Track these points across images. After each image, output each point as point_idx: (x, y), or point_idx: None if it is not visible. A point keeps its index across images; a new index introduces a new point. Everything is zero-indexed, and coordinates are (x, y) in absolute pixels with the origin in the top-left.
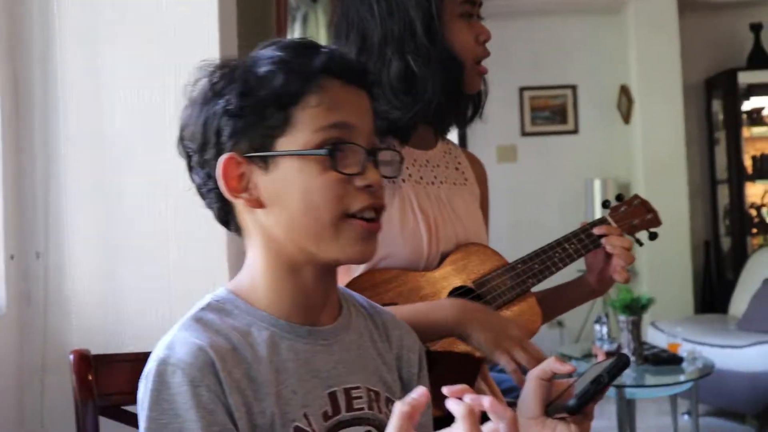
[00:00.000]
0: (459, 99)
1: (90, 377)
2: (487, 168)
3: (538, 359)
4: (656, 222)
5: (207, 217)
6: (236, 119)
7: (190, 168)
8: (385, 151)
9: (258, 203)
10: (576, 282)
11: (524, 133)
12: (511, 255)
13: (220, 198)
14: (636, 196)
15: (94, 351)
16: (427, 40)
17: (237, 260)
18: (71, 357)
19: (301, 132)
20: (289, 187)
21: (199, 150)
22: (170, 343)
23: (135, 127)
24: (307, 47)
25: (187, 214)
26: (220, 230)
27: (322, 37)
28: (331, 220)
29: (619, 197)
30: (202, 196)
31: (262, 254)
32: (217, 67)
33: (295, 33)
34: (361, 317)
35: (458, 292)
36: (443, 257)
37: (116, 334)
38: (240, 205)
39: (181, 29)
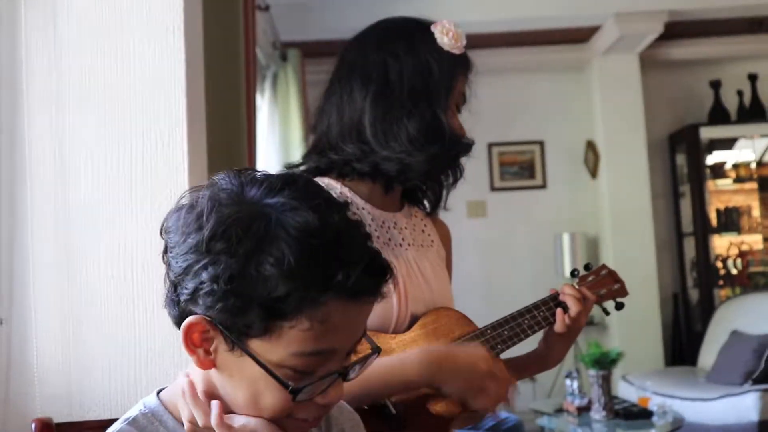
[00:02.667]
0: (454, 166)
1: None
2: (457, 223)
3: (509, 382)
4: (623, 292)
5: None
6: (216, 298)
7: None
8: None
9: (211, 365)
10: (530, 353)
11: (493, 188)
12: (481, 309)
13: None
14: (604, 266)
15: (58, 419)
16: (444, 101)
17: None
18: (33, 426)
19: (278, 347)
20: (245, 378)
21: (175, 275)
22: None
23: (100, 193)
24: (330, 250)
25: (153, 279)
26: None
27: (292, 94)
28: (271, 418)
29: (587, 266)
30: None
31: (199, 388)
32: (222, 209)
33: (265, 92)
34: None
35: None
36: (412, 318)
37: (80, 401)
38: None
39: (148, 95)
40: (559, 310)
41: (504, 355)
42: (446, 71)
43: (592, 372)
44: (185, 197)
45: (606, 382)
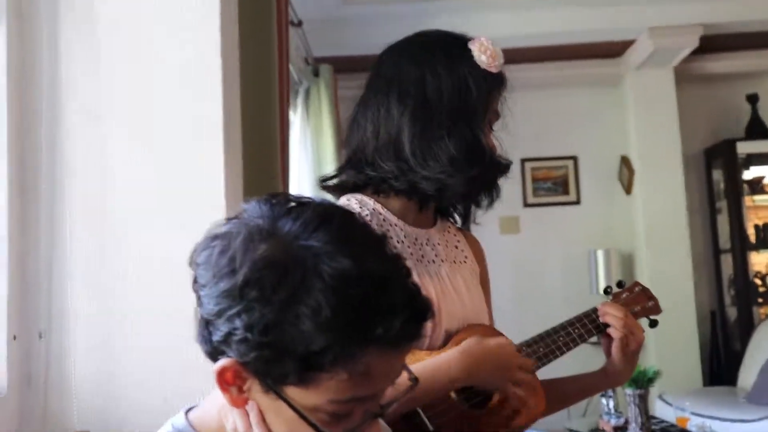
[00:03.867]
0: (492, 187)
1: None
2: (490, 239)
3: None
4: (657, 310)
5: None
6: (250, 347)
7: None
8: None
9: (244, 402)
10: (595, 372)
11: (526, 204)
12: (516, 325)
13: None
14: (637, 283)
15: None
16: (482, 120)
17: None
18: None
19: (315, 394)
20: (281, 418)
21: (207, 314)
22: None
23: (138, 205)
24: (369, 301)
25: (189, 293)
26: None
27: (324, 110)
28: None
29: (620, 284)
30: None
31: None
32: (255, 250)
33: (297, 107)
34: None
35: None
36: (447, 335)
37: (117, 414)
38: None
39: (185, 107)
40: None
41: (546, 373)
42: (483, 90)
43: (629, 391)
44: (216, 230)
45: (643, 402)
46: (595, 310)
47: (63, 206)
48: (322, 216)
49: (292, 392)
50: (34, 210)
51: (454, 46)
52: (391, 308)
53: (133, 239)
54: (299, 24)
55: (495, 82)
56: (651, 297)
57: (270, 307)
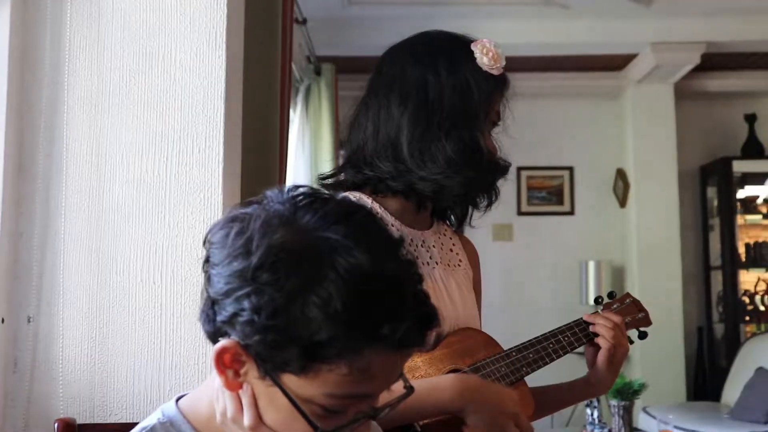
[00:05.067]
0: (491, 189)
1: None
2: (483, 246)
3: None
4: (647, 321)
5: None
6: (255, 330)
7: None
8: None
9: (239, 386)
10: (578, 380)
11: (520, 213)
12: (505, 333)
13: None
14: (628, 295)
15: (80, 420)
16: (482, 122)
17: None
18: (56, 425)
19: (312, 386)
20: (273, 405)
21: (215, 293)
22: None
23: (134, 195)
24: (379, 300)
25: (181, 286)
26: None
27: (324, 109)
28: None
29: (611, 294)
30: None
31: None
32: (272, 235)
33: (297, 105)
34: None
35: None
36: (438, 337)
37: (103, 403)
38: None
39: (186, 100)
40: (599, 350)
41: (533, 380)
42: (485, 91)
43: (614, 402)
44: (235, 212)
45: (627, 413)
46: (584, 320)
47: (58, 192)
48: (343, 211)
49: (289, 381)
50: (29, 194)
51: (457, 47)
52: (400, 310)
53: (127, 229)
54: (303, 22)
55: (497, 84)
56: (641, 309)
57: (281, 293)
